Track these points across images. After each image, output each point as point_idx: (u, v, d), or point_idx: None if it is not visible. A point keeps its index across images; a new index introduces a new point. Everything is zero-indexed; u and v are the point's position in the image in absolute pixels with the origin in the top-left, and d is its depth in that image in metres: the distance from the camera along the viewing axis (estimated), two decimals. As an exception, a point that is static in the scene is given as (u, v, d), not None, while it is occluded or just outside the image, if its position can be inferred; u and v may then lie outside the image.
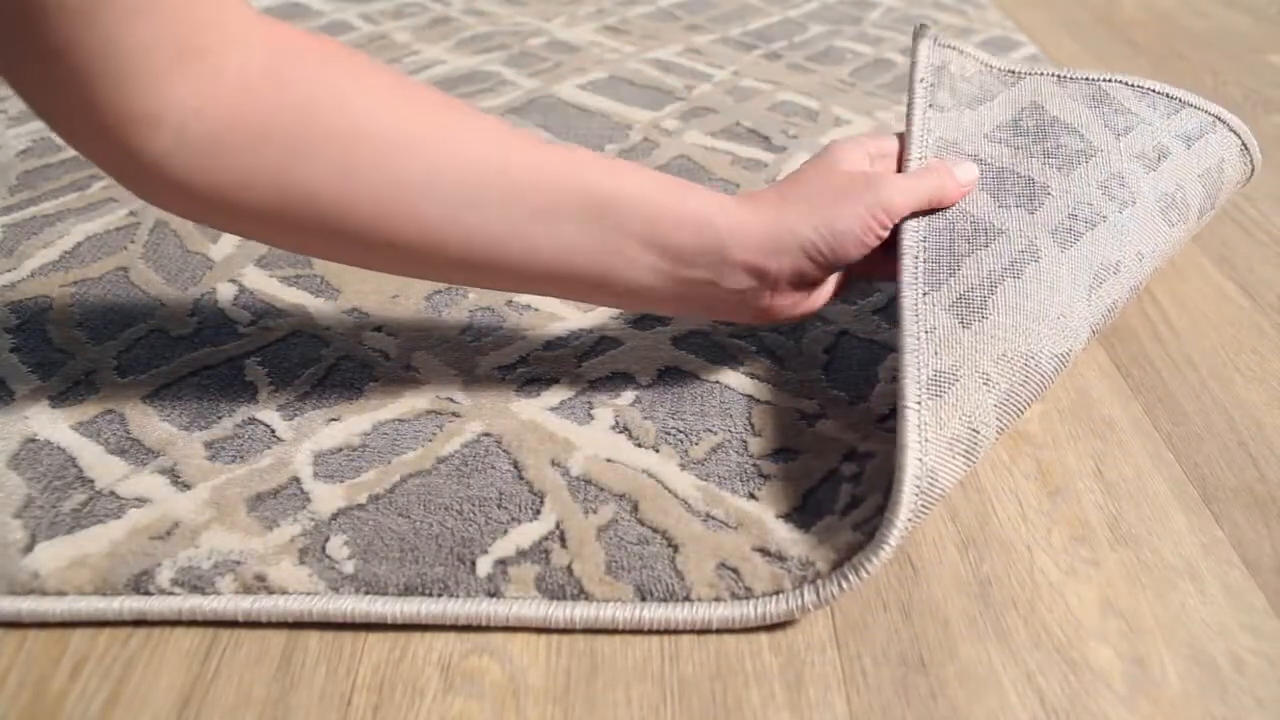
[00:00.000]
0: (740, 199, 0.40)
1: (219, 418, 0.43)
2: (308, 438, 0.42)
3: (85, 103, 0.29)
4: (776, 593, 0.35)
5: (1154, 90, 0.48)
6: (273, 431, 0.42)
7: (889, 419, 0.43)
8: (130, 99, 0.29)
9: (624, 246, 0.37)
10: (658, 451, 0.41)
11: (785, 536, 0.37)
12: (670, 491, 0.39)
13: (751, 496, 0.39)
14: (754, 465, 0.41)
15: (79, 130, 0.31)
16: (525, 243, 0.36)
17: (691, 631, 0.35)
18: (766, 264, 0.38)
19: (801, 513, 0.38)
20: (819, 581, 0.35)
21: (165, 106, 0.30)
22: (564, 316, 0.50)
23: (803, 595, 0.35)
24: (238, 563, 0.36)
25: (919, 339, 0.37)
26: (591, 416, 0.43)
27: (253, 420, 0.43)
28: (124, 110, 0.29)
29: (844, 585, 0.34)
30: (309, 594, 0.35)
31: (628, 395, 0.45)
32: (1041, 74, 0.48)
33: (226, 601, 0.35)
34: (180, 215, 0.35)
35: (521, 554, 0.37)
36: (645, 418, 0.43)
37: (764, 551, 0.36)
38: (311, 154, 0.33)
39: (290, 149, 0.32)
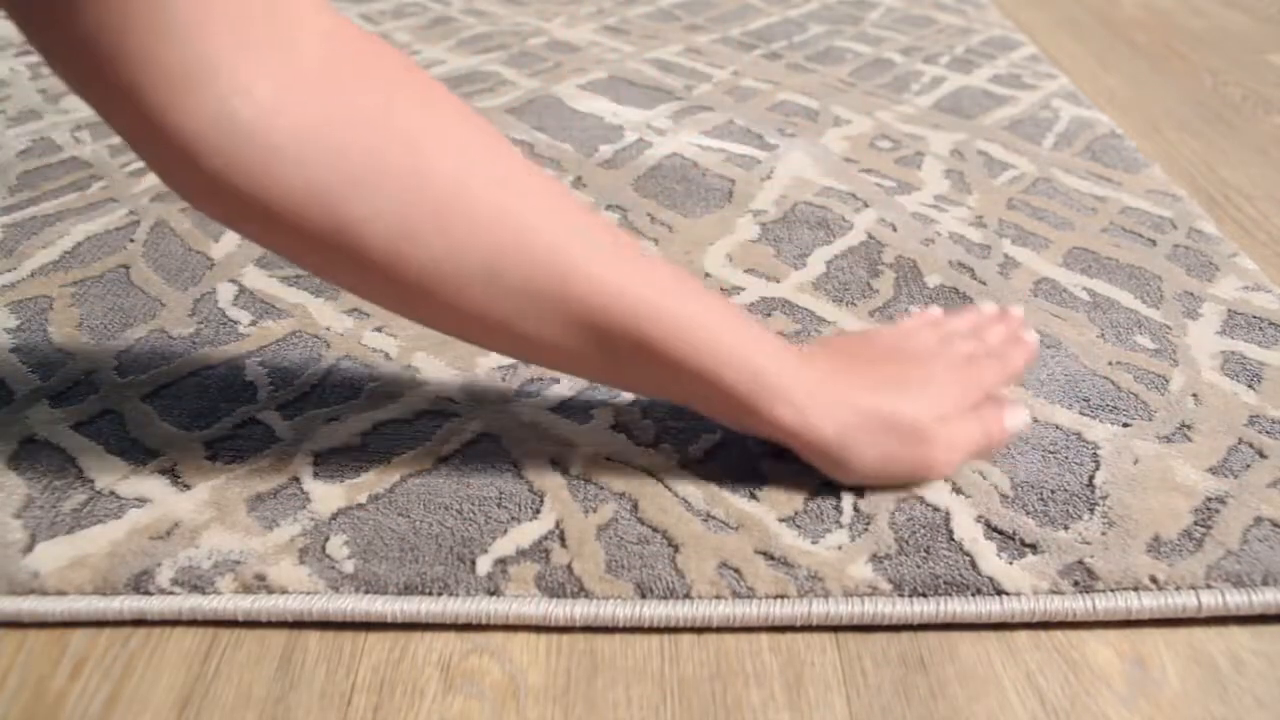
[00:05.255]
0: (807, 363, 0.38)
1: (219, 418, 0.43)
2: (308, 438, 0.42)
3: (113, 54, 0.24)
4: (780, 596, 0.35)
5: None
6: (273, 431, 0.42)
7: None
8: (166, 48, 0.24)
9: (654, 386, 0.38)
10: (657, 450, 0.41)
11: (791, 544, 0.37)
12: (670, 490, 0.39)
13: (752, 497, 0.39)
14: (753, 466, 0.41)
15: (103, 85, 0.26)
16: (555, 355, 0.35)
17: (691, 631, 0.35)
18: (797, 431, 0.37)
19: (804, 517, 0.38)
20: (830, 599, 0.35)
21: (211, 67, 0.25)
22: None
23: (810, 606, 0.35)
24: (238, 562, 0.36)
25: None
26: (591, 415, 0.43)
27: (253, 420, 0.43)
28: (157, 61, 0.25)
29: (856, 613, 0.35)
30: (309, 593, 0.35)
31: (627, 394, 0.45)
32: None
33: (226, 601, 0.35)
34: (202, 209, 0.30)
35: (521, 553, 0.37)
36: (645, 417, 0.43)
37: (767, 555, 0.36)
38: (371, 190, 0.29)
39: (348, 176, 0.28)
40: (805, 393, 0.37)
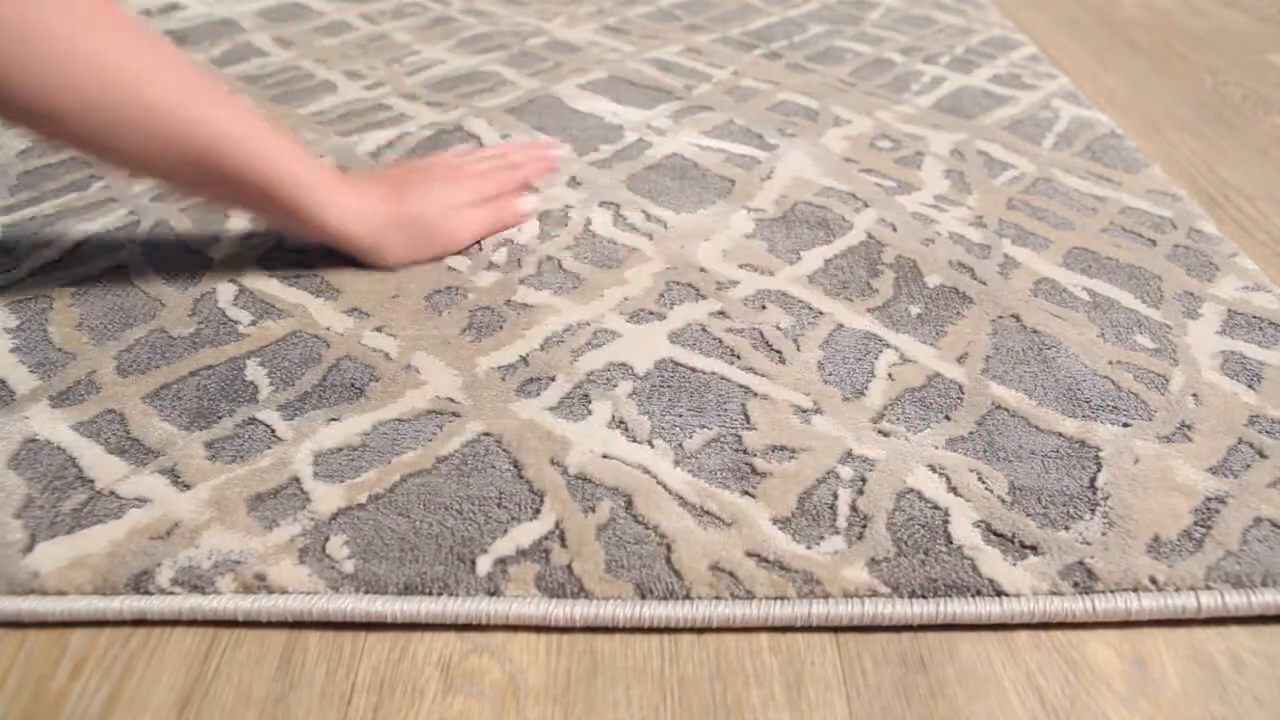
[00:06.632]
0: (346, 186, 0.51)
1: (219, 418, 0.43)
2: (308, 438, 0.42)
3: None
4: (780, 597, 0.35)
5: None
6: (273, 431, 0.42)
7: (882, 417, 0.43)
8: None
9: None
10: (653, 447, 0.41)
11: (784, 548, 0.37)
12: (663, 486, 0.39)
13: (746, 494, 0.39)
14: (748, 462, 0.41)
15: None
16: (142, 162, 0.45)
17: (691, 631, 0.35)
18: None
19: (799, 519, 0.38)
20: (830, 600, 0.35)
21: None
22: (559, 309, 0.50)
23: (810, 606, 0.35)
24: (238, 562, 0.36)
25: None
26: (589, 411, 0.43)
27: (253, 420, 0.43)
28: None
29: (856, 614, 0.35)
30: (309, 593, 0.35)
31: (625, 386, 0.45)
32: None
33: (226, 601, 0.35)
34: None
35: (521, 553, 0.37)
36: (641, 412, 0.43)
37: (759, 557, 0.36)
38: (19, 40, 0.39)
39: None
40: (342, 206, 0.50)
